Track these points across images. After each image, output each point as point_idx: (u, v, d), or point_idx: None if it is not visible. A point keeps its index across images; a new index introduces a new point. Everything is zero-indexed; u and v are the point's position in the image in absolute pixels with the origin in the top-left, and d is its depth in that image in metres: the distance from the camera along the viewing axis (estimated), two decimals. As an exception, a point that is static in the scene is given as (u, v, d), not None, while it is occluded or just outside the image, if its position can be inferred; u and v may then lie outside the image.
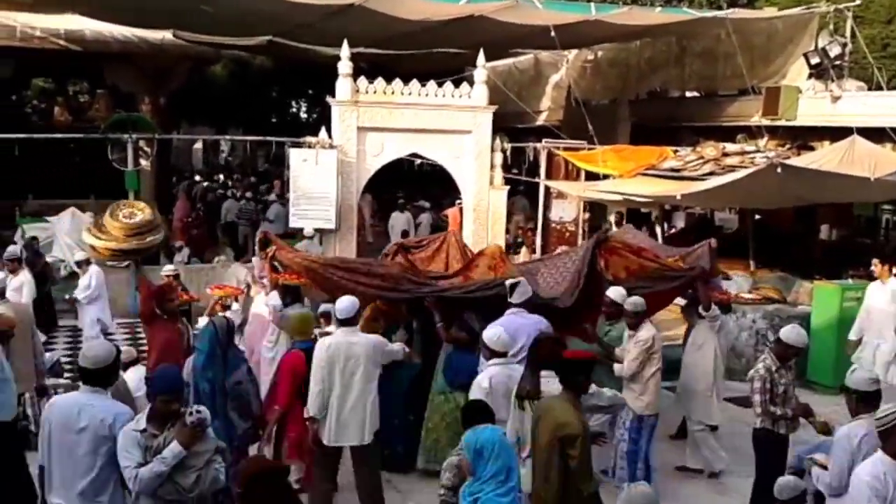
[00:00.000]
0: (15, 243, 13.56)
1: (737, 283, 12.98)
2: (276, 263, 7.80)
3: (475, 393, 5.61)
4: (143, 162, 13.85)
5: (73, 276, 12.61)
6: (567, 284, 7.57)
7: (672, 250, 8.85)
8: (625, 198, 13.77)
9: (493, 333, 5.87)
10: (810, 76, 15.99)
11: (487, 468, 4.16)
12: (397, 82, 14.13)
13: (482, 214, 14.63)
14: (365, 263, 8.01)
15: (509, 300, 6.83)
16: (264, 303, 8.10)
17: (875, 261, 9.93)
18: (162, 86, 20.00)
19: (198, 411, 4.46)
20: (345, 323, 6.23)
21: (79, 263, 10.65)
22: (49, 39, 17.47)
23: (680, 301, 8.55)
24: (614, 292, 7.06)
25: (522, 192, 18.81)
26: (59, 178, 17.96)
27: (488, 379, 5.65)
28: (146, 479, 4.32)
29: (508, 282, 6.98)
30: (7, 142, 14.95)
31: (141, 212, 6.62)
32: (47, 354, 8.63)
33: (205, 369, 5.94)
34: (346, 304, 6.28)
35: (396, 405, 7.12)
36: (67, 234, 12.86)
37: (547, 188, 16.03)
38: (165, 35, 17.77)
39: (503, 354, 5.80)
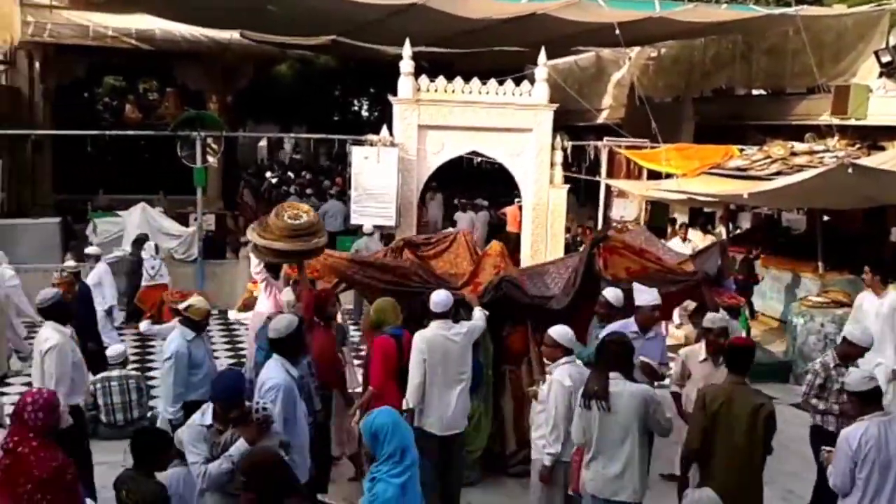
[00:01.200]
0: (87, 237, 14.10)
1: (805, 285, 12.69)
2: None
3: (558, 391, 5.57)
4: (211, 159, 14.17)
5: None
6: (563, 283, 7.42)
7: (680, 255, 8.62)
8: (689, 197, 13.56)
9: (563, 332, 5.81)
10: (881, 75, 15.49)
11: (383, 449, 4.16)
12: (458, 81, 14.17)
13: (541, 213, 14.57)
14: (378, 259, 8.04)
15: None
16: (271, 297, 8.25)
17: (866, 269, 8.64)
18: (229, 84, 20.46)
19: (263, 408, 4.51)
20: (441, 316, 6.25)
21: (88, 257, 10.83)
22: (121, 39, 17.99)
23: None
24: (610, 293, 6.79)
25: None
26: (129, 174, 18.56)
27: (568, 376, 5.63)
28: (214, 476, 4.38)
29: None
30: (80, 138, 15.52)
31: (305, 214, 6.65)
32: (120, 346, 8.89)
33: (260, 363, 5.93)
34: (442, 297, 6.29)
35: None
36: (137, 228, 13.24)
37: (608, 187, 15.88)
38: (233, 35, 18.15)
39: (572, 352, 5.80)
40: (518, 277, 7.53)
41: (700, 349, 6.54)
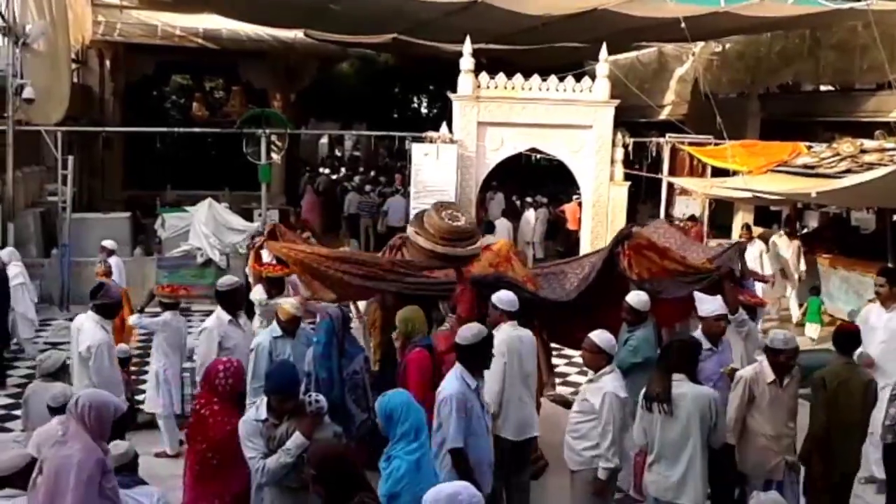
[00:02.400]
0: (155, 231, 14.51)
1: (873, 286, 12.33)
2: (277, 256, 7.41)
3: (614, 403, 5.34)
4: (275, 156, 14.44)
5: (207, 264, 13.36)
6: (577, 281, 7.14)
7: (706, 249, 8.36)
8: (754, 195, 13.31)
9: (606, 338, 5.59)
10: (955, 70, 14.92)
11: (398, 429, 4.19)
12: (518, 77, 14.17)
13: (601, 210, 14.48)
14: (353, 253, 7.85)
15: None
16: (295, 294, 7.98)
17: (881, 280, 7.35)
18: (292, 82, 20.81)
19: (316, 400, 4.57)
20: (512, 316, 6.06)
21: (103, 250, 10.66)
22: (188, 38, 18.48)
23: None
24: (634, 298, 6.47)
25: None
26: (195, 171, 19.02)
27: (622, 387, 5.43)
28: (272, 470, 4.44)
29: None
30: (149, 135, 16.00)
31: (463, 216, 6.48)
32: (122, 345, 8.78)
33: (323, 359, 5.98)
34: (510, 296, 6.09)
35: None
36: (204, 223, 13.56)
37: (670, 184, 15.67)
38: (297, 34, 18.46)
39: (612, 359, 5.61)
40: (526, 277, 7.21)
41: (765, 370, 5.82)
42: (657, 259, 6.99)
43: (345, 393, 5.92)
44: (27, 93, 12.48)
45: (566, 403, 5.78)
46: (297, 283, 7.71)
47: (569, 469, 5.50)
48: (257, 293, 7.31)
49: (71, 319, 11.99)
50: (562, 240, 18.19)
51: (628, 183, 14.77)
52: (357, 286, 7.02)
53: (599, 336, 5.42)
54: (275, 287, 7.34)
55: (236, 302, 6.73)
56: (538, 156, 15.90)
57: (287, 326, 6.23)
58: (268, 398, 4.62)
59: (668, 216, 15.69)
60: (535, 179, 22.72)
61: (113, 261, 10.28)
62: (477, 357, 5.00)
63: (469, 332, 5.05)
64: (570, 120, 14.25)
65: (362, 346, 6.34)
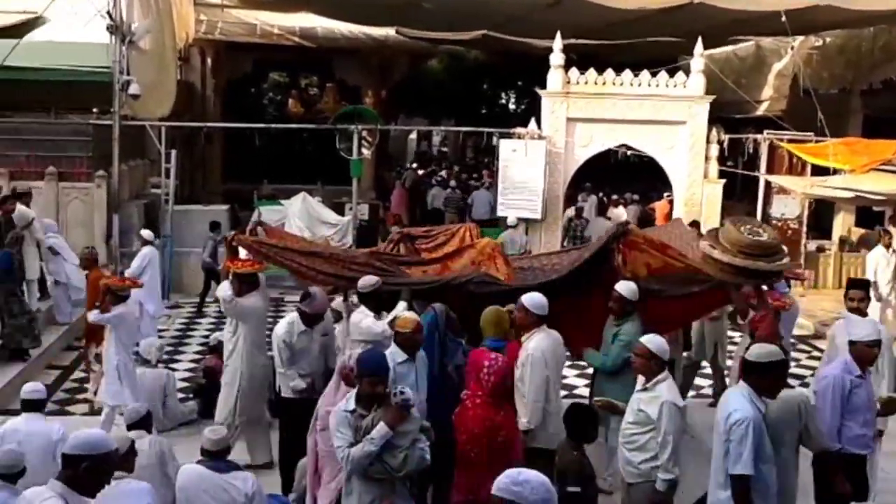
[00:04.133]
0: (250, 222, 14.98)
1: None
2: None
3: (673, 413, 5.14)
4: (366, 151, 14.71)
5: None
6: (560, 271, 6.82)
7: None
8: (856, 195, 12.82)
9: (659, 342, 5.37)
10: None
11: None
12: (609, 73, 14.03)
13: (694, 209, 14.19)
14: (327, 249, 7.68)
15: None
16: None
17: (858, 294, 6.47)
18: (384, 79, 21.17)
19: (402, 392, 4.58)
20: (543, 320, 5.83)
21: (138, 238, 10.92)
22: (285, 36, 18.99)
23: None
24: (623, 286, 6.21)
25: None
26: (290, 165, 19.55)
27: (679, 395, 5.30)
28: (357, 458, 4.48)
29: None
30: (247, 131, 16.54)
31: (765, 232, 6.36)
32: (219, 332, 8.92)
33: (426, 350, 5.79)
34: (539, 299, 5.83)
35: None
36: (298, 216, 13.96)
37: (767, 183, 15.22)
38: (389, 32, 18.74)
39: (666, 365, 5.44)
40: (508, 276, 6.91)
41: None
42: (657, 254, 6.64)
43: (445, 387, 5.75)
44: (133, 89, 12.97)
45: (615, 409, 5.56)
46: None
47: (624, 483, 5.31)
48: (222, 290, 6.80)
49: (172, 308, 12.74)
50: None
51: (723, 181, 14.41)
52: (330, 281, 6.78)
53: (652, 341, 5.17)
54: (246, 284, 6.78)
55: (379, 300, 6.36)
56: (629, 152, 15.70)
57: (411, 338, 5.43)
58: (359, 383, 4.70)
59: (766, 216, 15.23)
60: (626, 176, 22.36)
61: (147, 250, 10.41)
62: (767, 379, 4.58)
63: (763, 350, 4.65)
64: (663, 116, 14.02)
65: (460, 341, 6.09)
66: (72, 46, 14.72)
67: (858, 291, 6.44)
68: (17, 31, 16.30)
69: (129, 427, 5.52)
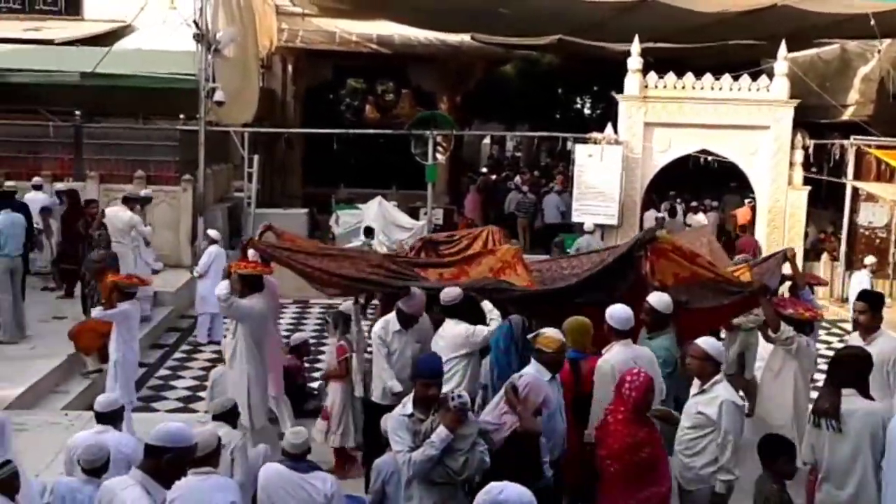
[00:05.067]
0: (330, 227, 15.28)
1: None
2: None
3: (733, 412, 5.06)
4: (440, 156, 14.84)
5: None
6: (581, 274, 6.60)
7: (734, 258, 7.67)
8: (948, 202, 12.30)
9: (715, 344, 5.32)
10: None
11: None
12: (688, 76, 13.82)
13: (778, 216, 13.83)
14: (342, 251, 7.61)
15: None
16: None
17: (861, 307, 6.10)
18: (459, 85, 21.29)
19: (459, 395, 4.60)
20: (624, 335, 5.59)
21: (206, 237, 11.34)
22: (363, 43, 19.31)
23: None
24: (655, 298, 5.92)
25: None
26: (366, 170, 19.84)
27: (739, 396, 5.26)
28: (418, 462, 4.44)
29: None
30: (326, 136, 16.87)
31: None
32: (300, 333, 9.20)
33: (502, 367, 5.80)
34: (622, 313, 5.60)
35: None
36: (374, 220, 14.15)
37: (855, 190, 14.72)
38: (464, 38, 18.84)
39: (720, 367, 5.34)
40: (528, 284, 6.76)
41: None
42: (686, 263, 6.42)
43: None
44: (218, 96, 13.42)
45: (670, 419, 5.36)
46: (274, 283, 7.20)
47: (680, 489, 5.19)
48: (219, 289, 6.61)
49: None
50: (730, 245, 17.47)
51: (808, 188, 14.01)
52: (342, 284, 6.73)
53: (707, 342, 5.16)
54: (248, 286, 6.64)
55: (463, 312, 6.27)
56: (709, 158, 15.40)
57: (555, 358, 5.18)
58: (414, 385, 4.73)
59: (852, 224, 14.73)
60: (705, 182, 21.93)
61: (213, 248, 10.86)
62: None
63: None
64: (745, 120, 13.71)
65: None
66: (160, 54, 15.28)
67: (860, 304, 6.07)
68: (107, 39, 17.00)
69: (215, 418, 5.55)
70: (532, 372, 5.08)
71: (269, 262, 6.88)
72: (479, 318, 6.22)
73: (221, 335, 9.77)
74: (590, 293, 6.35)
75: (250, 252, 6.94)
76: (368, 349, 6.93)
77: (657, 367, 5.49)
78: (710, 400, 5.01)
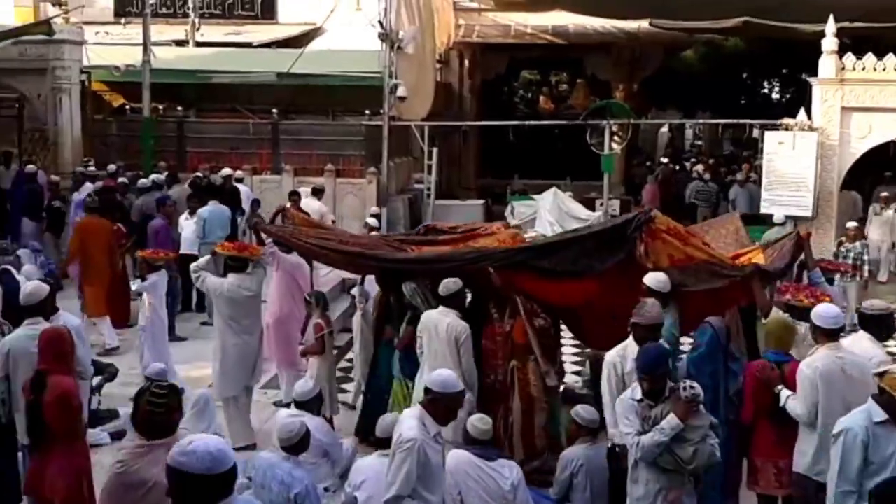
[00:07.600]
0: (505, 218, 15.47)
1: None
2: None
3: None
4: (616, 146, 14.65)
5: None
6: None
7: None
8: None
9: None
10: None
11: None
12: (890, 57, 12.83)
13: None
14: (342, 233, 7.76)
15: None
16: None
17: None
18: (635, 73, 20.85)
19: (691, 387, 4.61)
20: (830, 336, 5.11)
21: (365, 224, 11.14)
22: (538, 35, 19.34)
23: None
24: (650, 278, 5.82)
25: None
26: (540, 161, 19.92)
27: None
28: (647, 446, 4.55)
29: None
30: (501, 127, 17.12)
31: None
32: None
33: (701, 369, 5.60)
34: (828, 310, 5.20)
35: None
36: (549, 211, 14.20)
37: None
38: (641, 24, 18.41)
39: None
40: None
41: None
42: (679, 245, 6.18)
43: (727, 410, 5.49)
44: (400, 91, 13.99)
45: None
46: (280, 256, 7.79)
47: None
48: (195, 264, 7.42)
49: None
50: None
51: None
52: (342, 260, 7.15)
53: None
54: (233, 269, 7.15)
55: (462, 302, 6.66)
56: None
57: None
58: (639, 380, 4.78)
59: None
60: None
61: (374, 235, 10.97)
62: None
63: None
64: (958, 103, 12.54)
65: (739, 358, 5.76)
66: (347, 54, 16.09)
67: None
68: (299, 41, 18.13)
69: (297, 405, 5.76)
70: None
71: (262, 244, 7.52)
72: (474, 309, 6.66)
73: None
74: (574, 259, 6.41)
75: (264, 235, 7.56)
76: None
77: (870, 378, 4.61)
78: None
